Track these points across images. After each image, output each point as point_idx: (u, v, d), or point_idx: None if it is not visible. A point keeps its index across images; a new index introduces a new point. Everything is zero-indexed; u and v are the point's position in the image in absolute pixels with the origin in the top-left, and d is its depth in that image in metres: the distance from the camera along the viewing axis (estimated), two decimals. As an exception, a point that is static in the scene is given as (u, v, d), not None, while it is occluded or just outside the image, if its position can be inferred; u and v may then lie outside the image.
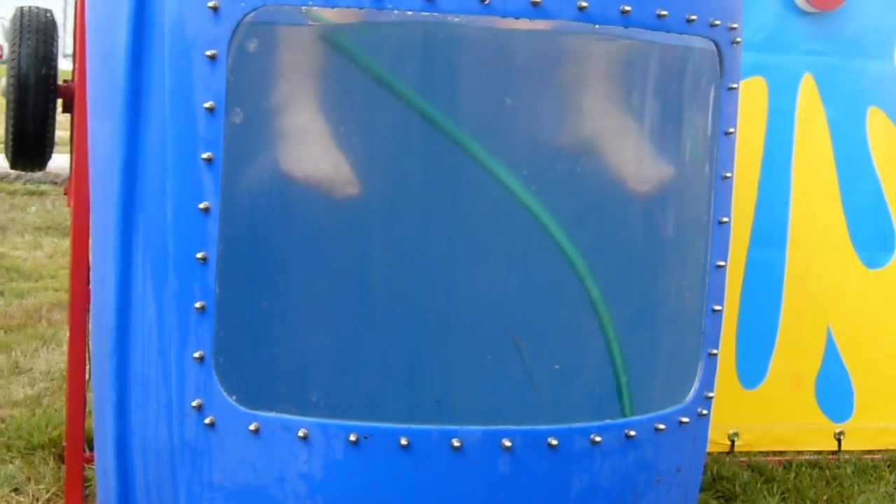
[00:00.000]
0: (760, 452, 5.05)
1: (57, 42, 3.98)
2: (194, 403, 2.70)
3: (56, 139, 4.16)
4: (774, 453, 5.07)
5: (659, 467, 2.97)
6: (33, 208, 10.10)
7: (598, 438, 2.82)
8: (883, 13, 4.94)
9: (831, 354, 5.06)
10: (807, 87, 4.92)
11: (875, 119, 4.99)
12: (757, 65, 4.84)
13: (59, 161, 8.82)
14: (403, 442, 2.69)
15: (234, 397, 2.70)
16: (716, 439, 4.94)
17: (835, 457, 5.07)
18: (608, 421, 2.87)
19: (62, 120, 4.73)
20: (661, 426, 2.94)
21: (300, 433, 2.68)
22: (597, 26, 2.71)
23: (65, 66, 5.00)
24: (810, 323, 5.04)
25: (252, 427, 2.69)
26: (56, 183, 10.68)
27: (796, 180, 4.96)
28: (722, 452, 4.99)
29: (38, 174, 10.68)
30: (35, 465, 4.50)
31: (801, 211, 4.97)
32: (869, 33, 4.95)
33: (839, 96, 4.95)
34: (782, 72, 4.90)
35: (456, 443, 2.70)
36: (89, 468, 4.07)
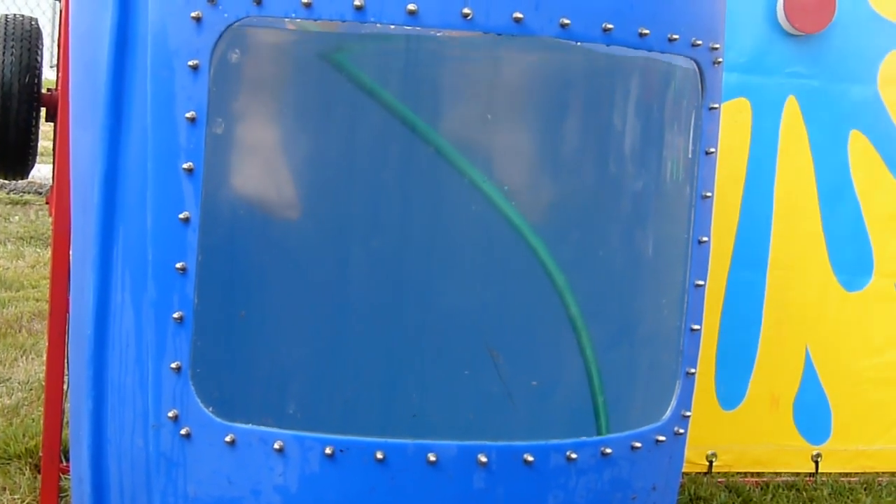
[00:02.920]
0: (738, 473, 5.07)
1: (41, 50, 3.98)
2: (170, 414, 2.70)
3: (40, 149, 4.15)
4: (752, 474, 5.08)
5: (634, 485, 2.97)
6: (16, 218, 10.07)
7: (573, 455, 2.82)
8: (867, 37, 4.98)
9: (810, 376, 5.08)
10: (790, 109, 4.95)
11: (857, 143, 5.01)
12: (741, 86, 4.87)
13: (44, 171, 8.81)
14: (379, 456, 2.68)
15: (210, 408, 2.70)
16: (694, 459, 4.95)
17: (812, 479, 5.08)
18: (584, 438, 2.88)
19: (47, 130, 4.73)
20: (638, 444, 2.94)
21: (276, 445, 2.68)
22: (579, 44, 2.72)
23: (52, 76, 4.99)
24: (789, 345, 5.05)
25: (228, 438, 2.69)
26: (40, 193, 10.65)
27: (778, 202, 4.98)
28: (699, 473, 5.00)
29: (22, 184, 10.67)
30: (11, 474, 4.48)
31: (783, 233, 5.00)
32: (852, 57, 4.98)
33: (822, 119, 4.98)
34: (766, 94, 4.92)
35: (432, 457, 2.70)
36: (65, 479, 4.06)
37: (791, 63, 4.91)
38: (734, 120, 4.84)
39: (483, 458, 2.73)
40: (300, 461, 2.69)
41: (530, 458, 2.77)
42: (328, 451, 2.67)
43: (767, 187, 4.95)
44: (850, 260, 5.10)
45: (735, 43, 4.76)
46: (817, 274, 5.07)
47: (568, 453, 2.81)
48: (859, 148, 5.02)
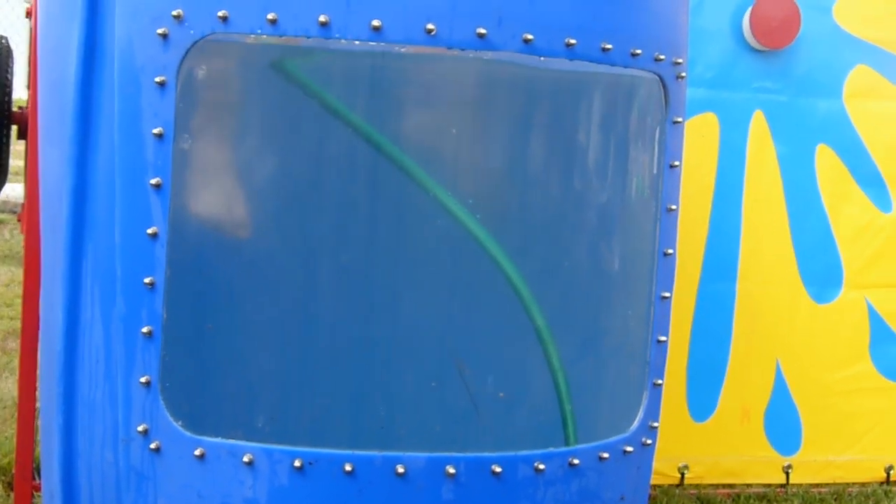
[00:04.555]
0: (710, 485, 5.10)
1: (12, 68, 3.98)
2: (140, 428, 2.71)
3: (16, 168, 4.15)
4: (723, 486, 5.11)
5: (603, 496, 2.99)
6: (-9, 237, 10.05)
7: (541, 466, 2.84)
8: (832, 52, 5.03)
9: (780, 388, 5.11)
10: (757, 123, 4.99)
11: (824, 156, 5.06)
12: (709, 101, 4.92)
13: (18, 190, 8.79)
14: (348, 468, 2.70)
15: (179, 422, 2.71)
16: (665, 471, 4.98)
17: (783, 489, 5.12)
18: (552, 449, 2.89)
19: (20, 149, 4.73)
20: (605, 455, 2.96)
21: (245, 458, 2.69)
22: (542, 59, 2.75)
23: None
24: (760, 357, 5.09)
25: (197, 452, 2.70)
26: (14, 212, 10.63)
27: (747, 216, 5.02)
28: (672, 485, 5.02)
29: (-3, 203, 10.63)
30: (-16, 492, 4.47)
31: (752, 246, 5.04)
32: (819, 72, 5.03)
33: (789, 133, 5.03)
34: (734, 108, 4.97)
35: (400, 469, 2.72)
36: (38, 496, 4.05)
37: (758, 78, 4.96)
38: (702, 134, 4.88)
39: (451, 470, 2.74)
40: (269, 474, 2.70)
41: (498, 470, 2.78)
42: (297, 463, 2.69)
43: (736, 201, 4.99)
44: (820, 272, 5.15)
45: (702, 58, 4.82)
46: (787, 286, 5.11)
47: (536, 464, 2.83)
48: (826, 161, 5.07)
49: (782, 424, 5.13)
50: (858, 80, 5.05)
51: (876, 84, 5.09)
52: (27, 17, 4.52)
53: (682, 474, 5.04)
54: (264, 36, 2.62)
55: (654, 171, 3.03)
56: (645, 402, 3.07)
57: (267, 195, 2.84)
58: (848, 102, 5.05)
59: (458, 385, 2.88)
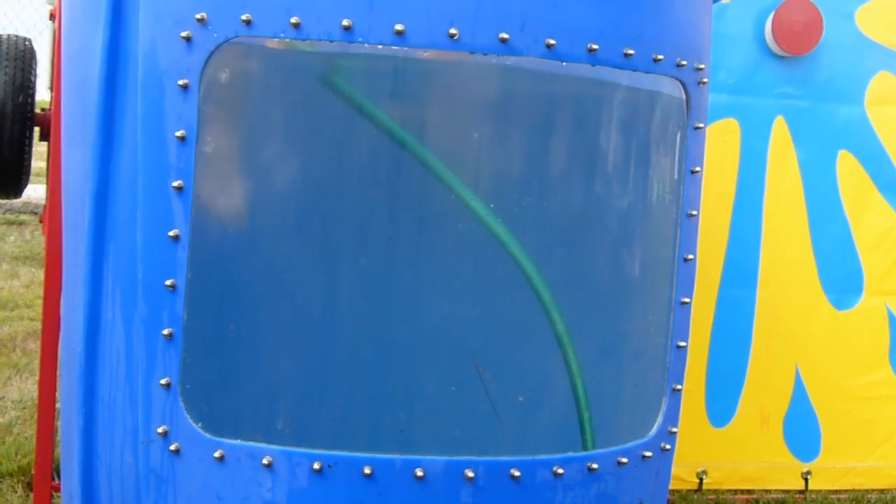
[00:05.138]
0: (728, 490, 5.09)
1: (35, 70, 4.00)
2: (160, 430, 2.72)
3: (37, 169, 4.17)
4: (742, 492, 5.10)
5: (621, 500, 2.99)
6: (11, 238, 10.09)
7: (560, 471, 2.84)
8: (854, 58, 5.03)
9: (799, 394, 5.10)
10: (779, 129, 4.99)
11: (845, 162, 5.05)
12: (730, 107, 4.91)
13: (40, 191, 8.83)
14: (367, 471, 2.70)
15: (199, 424, 2.71)
16: (684, 477, 4.97)
17: (802, 496, 5.10)
18: (571, 453, 2.89)
19: (43, 150, 4.75)
20: (624, 460, 2.96)
21: (265, 461, 2.70)
22: (564, 64, 2.75)
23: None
24: (779, 363, 5.08)
25: (217, 454, 2.70)
26: (35, 213, 10.68)
27: (767, 222, 5.02)
28: (690, 490, 5.01)
29: (18, 204, 10.68)
30: (3, 492, 4.49)
31: (772, 252, 5.03)
32: (840, 78, 5.03)
33: (810, 139, 5.02)
34: (755, 114, 4.97)
35: (419, 472, 2.72)
36: (58, 496, 4.07)
37: (779, 84, 4.95)
38: (723, 140, 4.88)
39: (470, 474, 2.74)
40: (288, 476, 2.71)
41: (517, 473, 2.78)
42: (316, 466, 2.69)
43: (756, 206, 4.99)
44: (840, 279, 5.14)
45: (724, 64, 4.82)
46: (807, 292, 5.10)
47: (555, 468, 2.83)
48: (847, 167, 5.06)
49: (801, 431, 5.12)
50: (880, 87, 5.04)
51: (898, 91, 5.09)
52: (51, 19, 4.55)
53: (701, 480, 5.04)
54: (287, 39, 2.63)
55: (676, 177, 3.03)
56: (664, 407, 3.07)
57: (288, 198, 2.85)
58: (870, 109, 5.04)
59: (478, 389, 2.88)
